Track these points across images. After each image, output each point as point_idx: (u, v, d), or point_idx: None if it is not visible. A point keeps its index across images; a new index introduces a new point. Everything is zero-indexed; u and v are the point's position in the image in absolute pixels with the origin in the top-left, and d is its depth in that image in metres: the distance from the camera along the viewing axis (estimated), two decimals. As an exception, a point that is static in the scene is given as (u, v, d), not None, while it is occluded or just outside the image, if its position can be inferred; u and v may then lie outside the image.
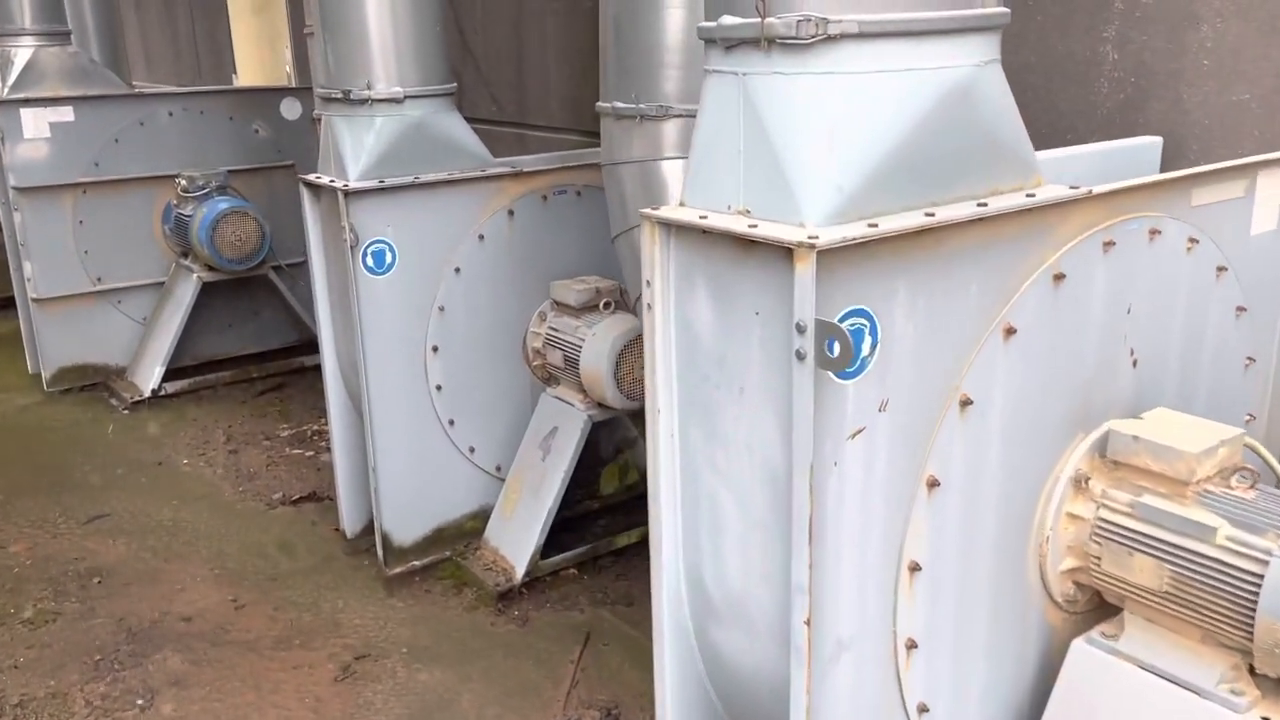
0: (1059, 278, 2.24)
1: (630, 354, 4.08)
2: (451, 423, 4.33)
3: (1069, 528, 2.37)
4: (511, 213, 4.29)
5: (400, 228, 4.03)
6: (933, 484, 2.20)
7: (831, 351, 1.88)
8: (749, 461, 2.16)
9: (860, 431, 2.06)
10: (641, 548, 4.57)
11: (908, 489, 2.19)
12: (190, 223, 6.48)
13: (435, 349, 4.23)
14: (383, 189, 3.93)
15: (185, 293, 6.57)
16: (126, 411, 6.39)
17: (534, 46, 5.78)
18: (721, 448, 2.22)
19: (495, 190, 4.24)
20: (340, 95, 3.88)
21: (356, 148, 3.92)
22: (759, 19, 1.90)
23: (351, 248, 3.90)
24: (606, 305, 4.29)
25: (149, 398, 6.46)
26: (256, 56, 9.56)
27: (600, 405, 4.23)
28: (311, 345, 7.31)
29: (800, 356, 1.91)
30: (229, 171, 6.76)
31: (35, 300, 6.48)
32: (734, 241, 2.07)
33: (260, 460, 5.63)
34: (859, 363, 2.01)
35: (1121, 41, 3.24)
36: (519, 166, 4.29)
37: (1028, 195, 2.17)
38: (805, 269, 1.86)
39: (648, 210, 2.24)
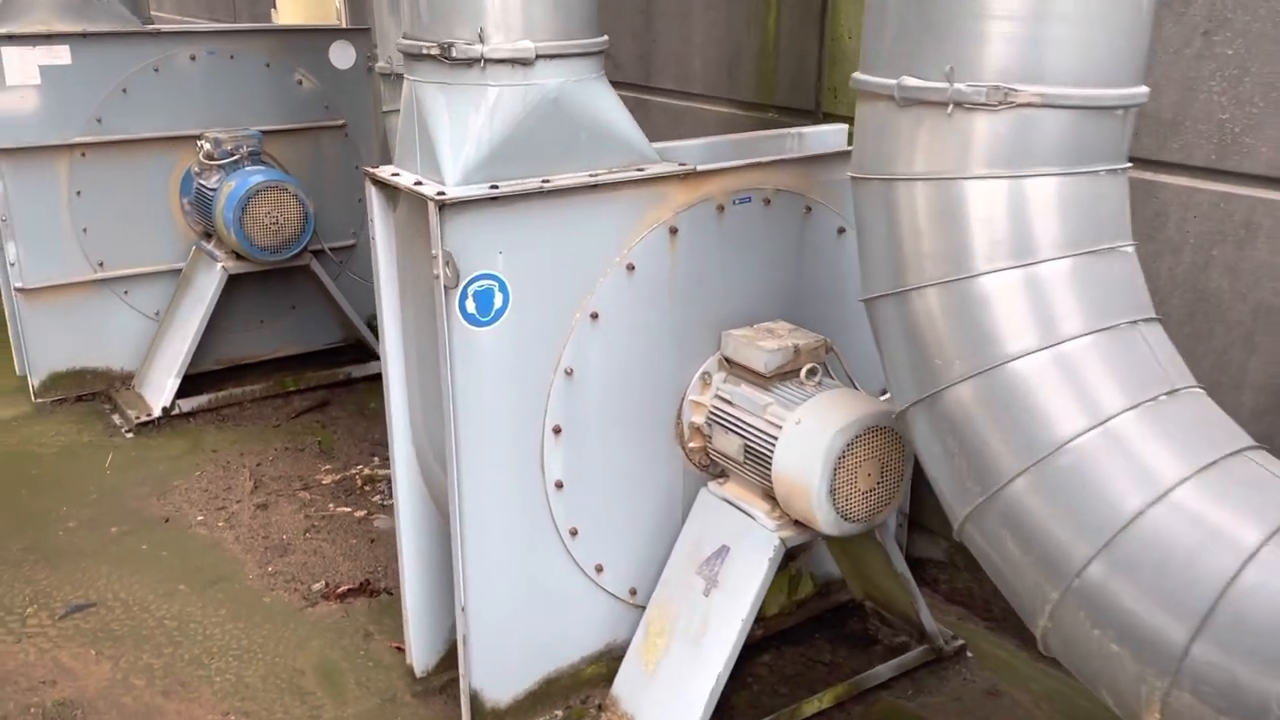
0: None
1: (855, 455, 2.71)
2: (574, 532, 2.99)
3: None
4: (675, 231, 2.89)
5: (517, 256, 2.65)
6: None
7: None
8: None
9: None
10: (838, 714, 3.25)
11: None
12: (214, 199, 5.13)
13: (558, 430, 2.87)
14: (496, 198, 2.54)
15: (207, 285, 5.23)
16: (130, 435, 5.10)
17: (670, -17, 4.34)
18: None
19: (655, 198, 2.84)
20: (435, 52, 2.48)
21: (459, 134, 2.53)
22: None
23: (448, 288, 2.52)
24: (811, 373, 2.90)
25: (160, 417, 5.17)
26: (300, -11, 8.13)
27: (797, 524, 2.87)
28: (359, 348, 6.01)
29: None
30: (264, 132, 5.41)
31: (21, 290, 5.17)
32: None
33: (296, 521, 4.32)
34: None
35: None
36: (692, 163, 2.88)
37: None
38: None
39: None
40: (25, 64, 4.94)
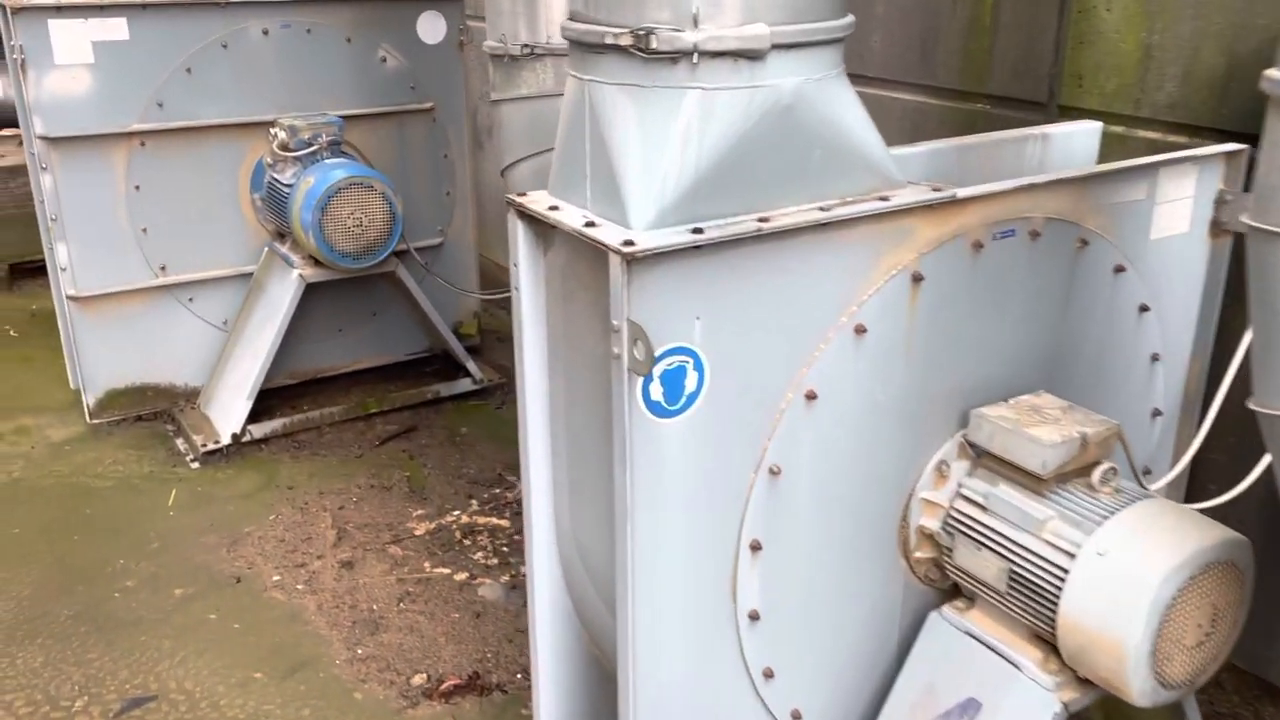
0: None
1: (1189, 604, 1.94)
2: (769, 674, 2.26)
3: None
4: (918, 278, 2.13)
5: (718, 322, 1.91)
6: None
7: None
8: None
9: None
10: None
11: None
12: (290, 196, 4.46)
13: (756, 546, 2.14)
14: (699, 247, 1.80)
15: (282, 295, 4.59)
16: (196, 465, 4.49)
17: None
18: None
19: (897, 236, 2.08)
20: (627, 41, 1.74)
21: (654, 157, 1.78)
22: None
23: (633, 372, 1.80)
24: (1107, 477, 2.13)
25: (229, 445, 4.54)
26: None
27: (1083, 682, 2.12)
28: (445, 361, 5.35)
29: None
30: (344, 118, 4.72)
31: (74, 298, 4.57)
32: None
33: (387, 586, 3.67)
34: None
35: None
36: (932, 183, 2.11)
37: None
38: None
39: None
40: (77, 40, 4.30)
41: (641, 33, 1.71)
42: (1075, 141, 2.77)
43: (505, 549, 3.88)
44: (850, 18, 1.93)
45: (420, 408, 4.99)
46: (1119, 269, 2.43)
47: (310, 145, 4.51)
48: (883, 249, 2.07)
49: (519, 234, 2.04)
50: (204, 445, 4.52)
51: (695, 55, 1.71)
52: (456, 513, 4.12)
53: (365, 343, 5.22)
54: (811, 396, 2.09)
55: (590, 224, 1.85)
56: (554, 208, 1.95)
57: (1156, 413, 2.67)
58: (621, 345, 1.79)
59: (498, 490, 4.29)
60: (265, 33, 4.61)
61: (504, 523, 4.05)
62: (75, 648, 3.37)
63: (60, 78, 4.30)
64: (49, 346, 5.34)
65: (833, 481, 2.19)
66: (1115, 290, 2.45)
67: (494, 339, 5.75)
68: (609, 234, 1.79)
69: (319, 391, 5.07)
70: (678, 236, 1.79)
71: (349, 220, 4.34)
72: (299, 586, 3.67)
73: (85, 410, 4.74)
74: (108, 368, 4.73)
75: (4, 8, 4.21)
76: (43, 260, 5.10)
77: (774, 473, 2.10)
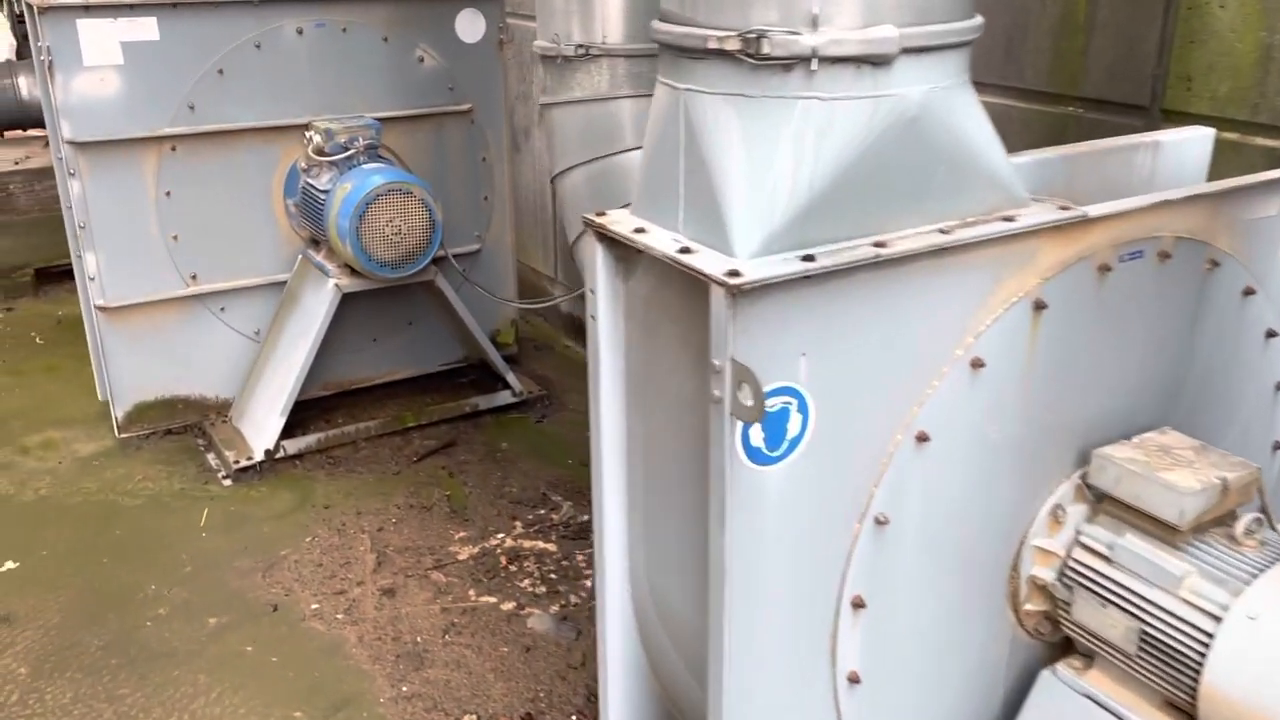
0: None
1: (1354, 679, 1.72)
2: (867, 739, 2.07)
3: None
4: (1040, 306, 1.92)
5: (825, 358, 1.71)
6: None
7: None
8: None
9: None
10: None
11: None
12: (326, 202, 4.28)
13: (858, 604, 1.93)
14: (810, 276, 1.60)
15: (317, 305, 4.40)
16: (228, 482, 4.31)
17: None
18: None
19: (1020, 260, 1.86)
20: (734, 46, 1.53)
21: (762, 176, 1.57)
22: None
23: (738, 418, 1.59)
24: (1252, 528, 1.91)
25: (262, 461, 4.37)
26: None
27: (1226, 755, 1.90)
28: (482, 371, 5.17)
29: None
30: (380, 120, 4.54)
31: (102, 309, 4.40)
32: None
33: (431, 616, 3.48)
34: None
35: None
36: (1076, 208, 1.89)
37: None
38: None
39: None
40: (105, 40, 4.12)
41: (751, 36, 1.49)
42: (1186, 150, 2.55)
43: (553, 575, 3.69)
44: (979, 19, 1.70)
45: (458, 421, 4.80)
46: (1248, 291, 2.21)
47: (346, 149, 4.32)
48: (1004, 274, 1.86)
49: (599, 259, 1.83)
50: (236, 461, 4.35)
51: (814, 61, 1.50)
52: (500, 535, 3.93)
53: (400, 353, 5.04)
54: (923, 438, 1.88)
55: (685, 250, 1.65)
56: (640, 230, 1.75)
57: (1278, 446, 2.45)
58: (723, 388, 1.59)
59: (542, 511, 4.09)
60: (299, 32, 4.43)
61: (550, 546, 3.86)
62: (106, 682, 3.20)
63: (89, 80, 4.13)
64: (76, 355, 5.19)
65: (941, 530, 1.98)
66: (1243, 314, 2.23)
67: (531, 347, 5.56)
68: (709, 262, 1.58)
69: (353, 404, 4.89)
70: (787, 265, 1.58)
71: (387, 228, 4.15)
72: (339, 616, 3.49)
73: (114, 423, 4.58)
74: (137, 379, 4.56)
75: (31, 7, 4.05)
76: (69, 265, 4.95)
77: (880, 522, 1.89)
